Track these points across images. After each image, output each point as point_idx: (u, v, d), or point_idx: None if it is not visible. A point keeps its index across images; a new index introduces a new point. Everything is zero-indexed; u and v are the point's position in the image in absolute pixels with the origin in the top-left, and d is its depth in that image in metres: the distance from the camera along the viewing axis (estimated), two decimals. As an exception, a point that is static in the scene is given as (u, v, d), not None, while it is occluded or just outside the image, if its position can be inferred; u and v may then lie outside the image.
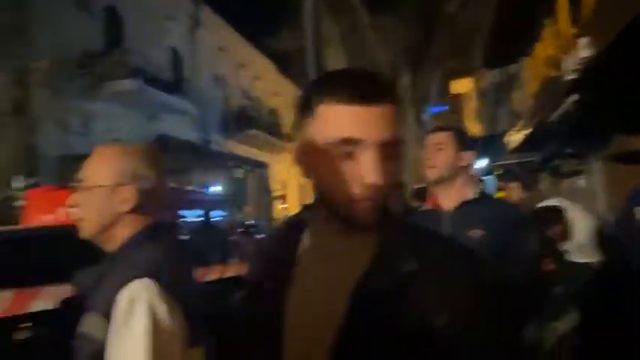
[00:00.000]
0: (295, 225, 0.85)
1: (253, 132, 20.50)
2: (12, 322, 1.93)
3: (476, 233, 1.75)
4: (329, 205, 0.77)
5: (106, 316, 1.02)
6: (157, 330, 1.00)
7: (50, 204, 6.07)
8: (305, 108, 0.79)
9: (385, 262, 0.76)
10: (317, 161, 0.76)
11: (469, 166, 1.92)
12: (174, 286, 1.07)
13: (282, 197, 24.38)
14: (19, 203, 7.59)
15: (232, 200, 12.54)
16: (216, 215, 9.46)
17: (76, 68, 11.58)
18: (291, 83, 26.65)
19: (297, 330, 0.74)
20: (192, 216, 8.60)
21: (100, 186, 1.17)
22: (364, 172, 0.73)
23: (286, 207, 24.45)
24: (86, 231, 1.19)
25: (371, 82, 0.75)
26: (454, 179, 1.88)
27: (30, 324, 2.06)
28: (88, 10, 12.43)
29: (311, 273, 0.77)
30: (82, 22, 12.04)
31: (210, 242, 6.70)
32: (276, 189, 23.20)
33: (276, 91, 25.85)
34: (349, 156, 0.74)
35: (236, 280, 4.76)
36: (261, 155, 21.47)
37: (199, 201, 9.38)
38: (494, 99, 16.21)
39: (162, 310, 1.02)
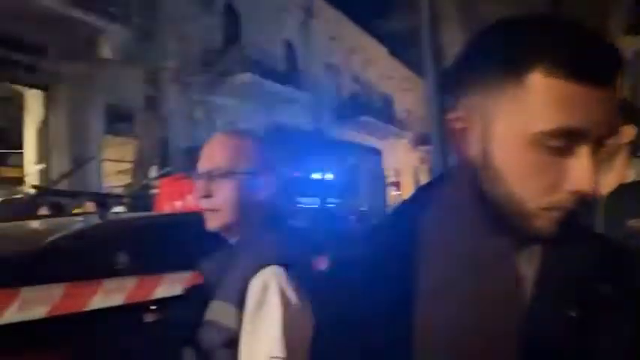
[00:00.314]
0: (411, 218, 0.65)
1: (365, 118, 20.41)
2: (138, 307, 2.01)
3: (637, 223, 1.44)
4: (495, 206, 0.56)
5: (238, 304, 1.00)
6: (290, 317, 0.97)
7: (180, 192, 6.54)
8: (497, 71, 0.55)
9: (568, 282, 0.57)
10: (501, 149, 0.55)
11: (630, 143, 1.59)
12: (300, 274, 1.03)
13: (396, 184, 24.07)
14: (154, 191, 8.30)
15: (345, 187, 12.58)
16: (330, 202, 9.53)
17: (200, 65, 12.39)
18: (403, 66, 26.07)
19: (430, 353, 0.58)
20: (306, 203, 8.76)
21: (240, 174, 1.12)
22: (577, 176, 0.52)
23: (400, 194, 24.11)
24: (218, 221, 1.13)
25: (606, 52, 0.53)
26: (612, 159, 1.57)
27: (156, 307, 2.13)
28: (209, 10, 13.21)
29: (451, 285, 0.58)
30: (204, 21, 12.82)
31: (326, 230, 6.71)
32: (390, 175, 22.95)
33: (388, 75, 25.45)
34: (558, 152, 0.53)
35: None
36: (373, 141, 21.33)
37: (313, 188, 9.53)
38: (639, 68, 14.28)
39: (294, 297, 0.99)
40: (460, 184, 0.61)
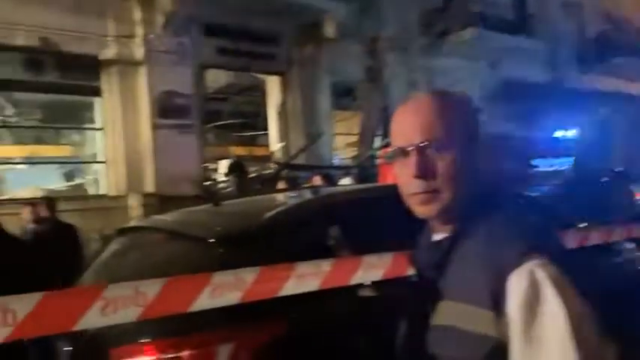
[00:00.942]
0: None
1: (618, 60, 17.07)
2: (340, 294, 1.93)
3: None
4: None
5: (493, 307, 0.84)
6: (577, 316, 0.82)
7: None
8: None
9: None
10: None
11: None
12: (559, 260, 0.86)
13: (664, 136, 19.70)
14: (378, 162, 8.47)
15: (595, 145, 10.81)
16: (576, 164, 8.26)
17: (418, 27, 12.06)
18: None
19: None
20: (548, 166, 7.76)
21: (460, 144, 0.93)
22: None
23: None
24: (439, 205, 0.93)
25: None
26: None
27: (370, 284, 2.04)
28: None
29: None
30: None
31: (584, 198, 5.78)
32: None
33: (649, 4, 20.68)
34: None
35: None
36: (630, 87, 17.79)
37: (556, 149, 8.39)
38: None
39: (571, 291, 0.83)
40: None
